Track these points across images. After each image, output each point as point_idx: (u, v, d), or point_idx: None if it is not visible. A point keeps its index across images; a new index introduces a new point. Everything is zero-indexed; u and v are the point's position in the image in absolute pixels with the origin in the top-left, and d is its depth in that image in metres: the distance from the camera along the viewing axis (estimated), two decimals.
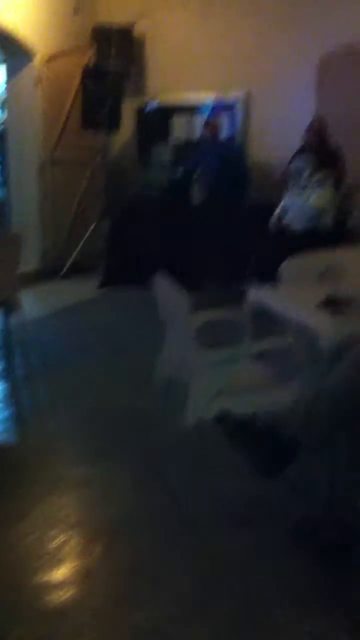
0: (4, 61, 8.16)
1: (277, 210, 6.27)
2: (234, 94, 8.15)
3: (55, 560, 2.60)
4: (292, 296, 3.34)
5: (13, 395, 4.35)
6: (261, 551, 2.60)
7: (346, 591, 2.35)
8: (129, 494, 3.07)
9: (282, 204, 6.27)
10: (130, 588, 2.44)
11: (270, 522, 2.75)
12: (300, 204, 6.10)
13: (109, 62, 8.07)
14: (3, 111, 9.00)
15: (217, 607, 2.32)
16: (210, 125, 7.75)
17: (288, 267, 3.62)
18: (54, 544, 2.70)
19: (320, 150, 6.62)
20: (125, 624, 2.25)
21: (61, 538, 2.74)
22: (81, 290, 7.22)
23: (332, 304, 3.03)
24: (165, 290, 3.17)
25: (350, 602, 2.31)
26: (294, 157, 6.54)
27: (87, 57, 8.41)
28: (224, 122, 7.95)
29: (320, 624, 2.21)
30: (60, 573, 2.53)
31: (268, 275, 3.75)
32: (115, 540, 2.72)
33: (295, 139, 6.95)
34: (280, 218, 6.23)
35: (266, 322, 3.46)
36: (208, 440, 3.04)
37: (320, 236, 5.64)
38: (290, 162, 6.51)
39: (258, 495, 2.94)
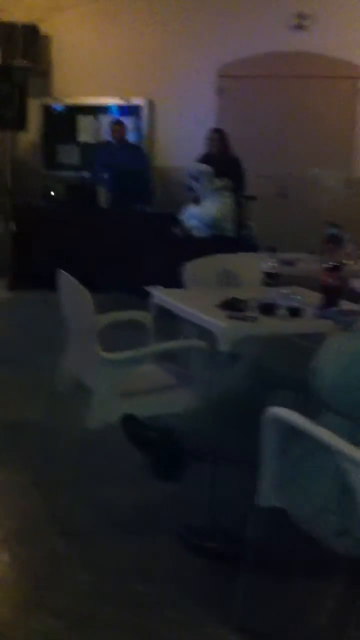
0: None
1: (180, 216, 6.40)
2: (138, 100, 8.28)
3: None
4: (193, 298, 3.44)
5: None
6: (156, 557, 2.66)
7: (233, 594, 2.43)
8: (21, 497, 3.07)
9: (184, 209, 6.40)
10: (35, 595, 2.47)
11: (164, 529, 2.82)
12: (200, 212, 6.24)
13: (14, 60, 7.99)
14: None
15: (115, 613, 2.36)
16: (117, 126, 7.79)
17: (189, 269, 3.72)
18: None
19: (220, 158, 6.83)
20: (31, 630, 2.28)
21: None
22: None
23: (230, 306, 3.15)
24: (69, 290, 3.19)
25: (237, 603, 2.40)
26: (195, 164, 6.69)
27: None
28: (129, 125, 8.02)
29: (218, 625, 2.29)
30: None
31: (173, 278, 3.84)
32: (7, 542, 2.74)
33: (197, 146, 7.16)
34: (183, 223, 6.37)
35: (170, 323, 3.56)
36: (110, 444, 3.08)
37: (221, 243, 5.81)
38: (192, 169, 6.65)
39: (152, 501, 3.00)
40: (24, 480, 3.20)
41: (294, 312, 3.16)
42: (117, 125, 7.80)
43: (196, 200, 6.27)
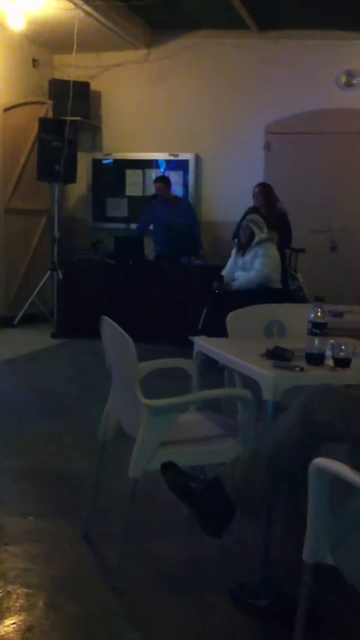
0: None
1: (227, 267, 6.41)
2: (185, 155, 8.42)
3: None
4: (237, 347, 3.38)
5: None
6: (207, 614, 2.57)
7: None
8: (72, 550, 3.02)
9: (230, 261, 6.42)
10: None
11: (214, 585, 2.73)
12: (248, 263, 6.23)
13: (66, 115, 8.22)
14: None
15: None
16: (158, 184, 7.91)
17: (233, 319, 3.67)
18: None
19: (265, 212, 6.86)
20: None
21: (1, 592, 2.67)
22: (34, 339, 7.19)
23: (276, 356, 3.08)
24: (111, 336, 3.17)
25: None
26: (243, 217, 6.73)
27: (44, 109, 8.55)
28: (176, 179, 8.15)
29: None
30: (0, 628, 2.47)
31: (218, 329, 3.79)
32: (58, 596, 2.67)
33: (244, 200, 7.22)
34: (229, 275, 6.36)
35: (214, 373, 3.50)
36: (159, 494, 3.01)
37: (268, 294, 5.78)
38: (239, 222, 6.68)
39: (202, 556, 2.93)
40: (74, 533, 3.16)
41: (342, 363, 3.07)
42: (159, 182, 7.92)
43: (242, 250, 6.26)
